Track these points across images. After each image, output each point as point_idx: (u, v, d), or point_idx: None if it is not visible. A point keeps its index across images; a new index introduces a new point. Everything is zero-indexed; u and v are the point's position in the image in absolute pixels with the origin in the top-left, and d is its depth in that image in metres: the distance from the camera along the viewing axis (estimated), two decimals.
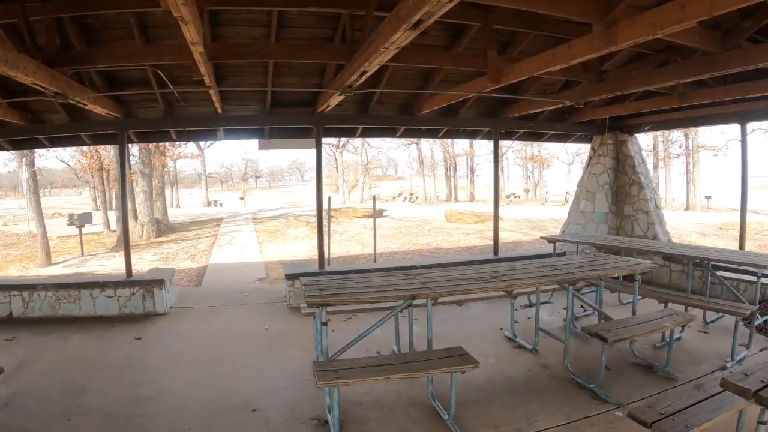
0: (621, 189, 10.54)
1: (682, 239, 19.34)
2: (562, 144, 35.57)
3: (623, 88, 6.72)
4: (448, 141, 49.16)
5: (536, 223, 25.88)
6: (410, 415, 4.50)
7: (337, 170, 55.20)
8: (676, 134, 37.47)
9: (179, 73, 6.57)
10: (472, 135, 11.07)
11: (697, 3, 3.53)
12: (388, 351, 5.94)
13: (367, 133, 10.26)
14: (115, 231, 24.22)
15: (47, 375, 5.48)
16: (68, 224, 21.79)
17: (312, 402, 4.73)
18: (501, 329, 6.75)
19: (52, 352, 6.27)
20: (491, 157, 10.24)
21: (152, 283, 7.87)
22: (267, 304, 8.56)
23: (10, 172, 39.75)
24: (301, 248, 19.43)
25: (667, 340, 5.50)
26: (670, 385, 4.92)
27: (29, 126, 7.64)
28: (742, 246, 8.33)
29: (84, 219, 21.21)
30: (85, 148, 23.69)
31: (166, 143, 26.82)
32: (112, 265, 16.86)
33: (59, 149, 30.08)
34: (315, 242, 8.79)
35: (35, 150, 21.92)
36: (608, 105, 9.09)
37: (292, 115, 8.38)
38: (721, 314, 6.55)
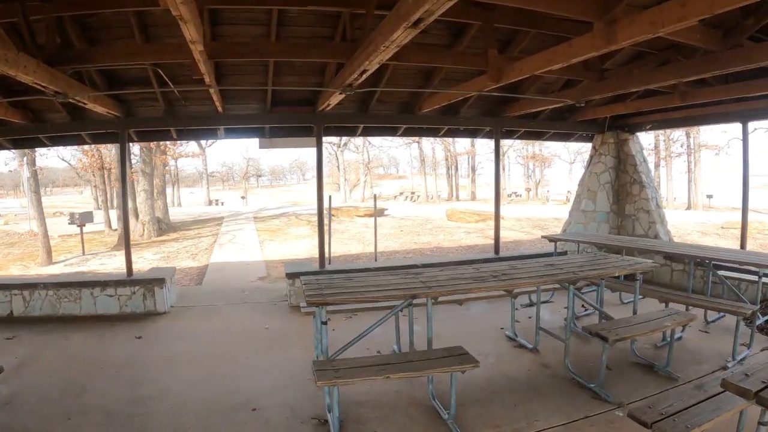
0: (622, 188, 10.53)
1: (684, 238, 19.33)
2: (564, 143, 35.51)
3: (624, 86, 6.70)
4: (450, 140, 49.21)
5: (537, 222, 25.85)
6: (410, 415, 4.49)
7: (339, 169, 55.18)
8: (678, 133, 37.41)
9: (179, 71, 6.56)
10: (473, 134, 11.06)
11: (698, 1, 3.51)
12: (388, 350, 5.94)
13: (367, 132, 10.25)
14: (116, 230, 24.24)
15: (48, 374, 5.49)
16: (69, 223, 21.78)
17: (312, 401, 4.72)
18: (502, 328, 6.74)
19: (52, 351, 6.27)
20: (492, 156, 10.21)
21: (153, 282, 7.87)
22: (268, 303, 8.56)
23: (11, 171, 39.74)
24: (302, 247, 19.42)
25: (668, 339, 5.49)
26: (671, 385, 4.91)
27: (30, 125, 7.64)
28: (743, 245, 8.31)
29: (85, 218, 21.21)
30: (86, 147, 23.68)
31: (167, 142, 26.81)
32: (114, 264, 16.87)
33: (60, 148, 30.07)
34: (316, 241, 8.78)
35: (36, 149, 21.93)
36: (609, 104, 9.06)
37: (293, 114, 8.37)
38: (722, 314, 6.54)
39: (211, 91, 6.47)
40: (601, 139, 10.51)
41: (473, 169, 55.45)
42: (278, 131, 9.11)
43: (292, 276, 8.11)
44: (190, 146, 41.50)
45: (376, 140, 52.08)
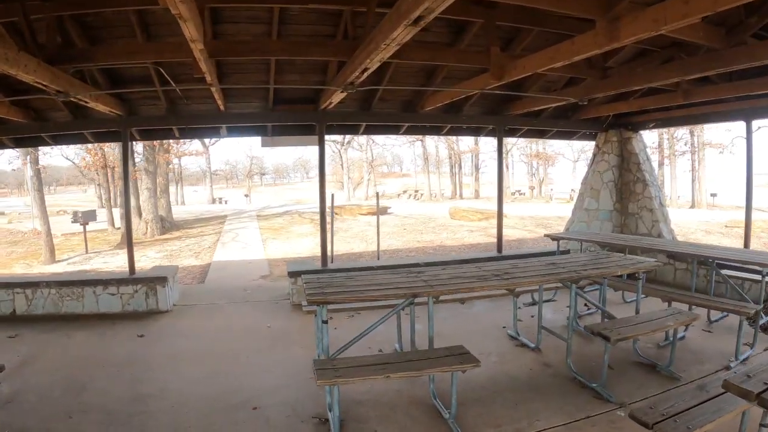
0: (625, 186, 10.49)
1: (687, 237, 19.29)
2: (567, 141, 35.49)
3: (627, 85, 6.66)
4: (453, 138, 49.09)
5: (541, 221, 25.82)
6: (411, 414, 4.48)
7: (342, 167, 55.22)
8: (682, 131, 37.30)
9: (181, 70, 6.55)
10: (475, 132, 11.04)
11: None
12: (390, 349, 5.93)
13: (370, 131, 10.23)
14: (119, 228, 24.29)
15: (49, 372, 5.49)
16: (72, 222, 21.85)
17: (313, 400, 4.71)
18: (504, 327, 6.72)
19: (54, 349, 6.28)
20: (496, 154, 10.19)
21: (155, 281, 7.88)
22: (270, 301, 8.56)
23: (14, 170, 39.80)
24: (305, 245, 19.44)
25: (671, 339, 5.46)
26: (673, 385, 4.89)
27: (32, 124, 7.64)
28: (747, 244, 8.27)
29: (88, 216, 21.27)
30: (89, 145, 23.72)
31: (171, 140, 26.85)
32: (116, 263, 16.92)
33: (64, 147, 30.16)
34: (319, 239, 8.77)
35: (39, 148, 21.96)
36: (612, 102, 9.02)
37: (295, 113, 8.35)
38: (725, 313, 6.50)
39: (213, 89, 6.46)
40: (605, 138, 10.47)
41: (477, 168, 55.33)
42: (280, 130, 9.10)
43: (294, 274, 8.10)
44: (194, 144, 41.61)
45: (380, 138, 52.13)
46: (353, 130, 10.11)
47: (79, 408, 4.64)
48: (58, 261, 18.28)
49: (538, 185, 55.49)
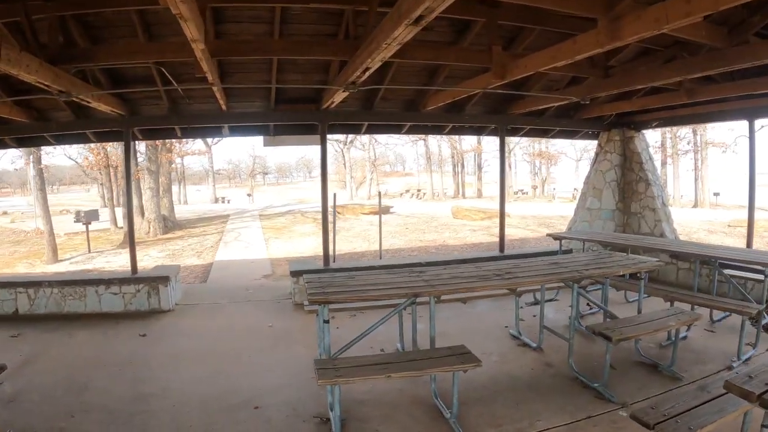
0: (628, 186, 10.47)
1: (690, 236, 19.24)
2: (570, 140, 35.45)
3: (630, 84, 6.65)
4: (456, 137, 49.04)
5: (543, 220, 25.78)
6: (412, 414, 4.48)
7: (345, 166, 55.21)
8: (685, 131, 37.18)
9: (183, 70, 6.55)
10: (478, 131, 11.03)
11: None
12: (391, 348, 5.92)
13: (372, 130, 10.21)
14: (122, 228, 24.27)
15: (51, 372, 5.51)
16: (75, 221, 21.86)
17: (315, 400, 4.72)
18: (506, 327, 6.72)
19: (57, 348, 6.29)
20: (498, 154, 10.18)
21: (157, 280, 7.89)
22: (272, 301, 8.56)
23: (17, 169, 39.89)
24: (307, 245, 19.44)
25: (673, 338, 5.45)
26: (675, 385, 4.88)
27: (34, 124, 7.65)
28: (749, 244, 8.25)
29: (90, 216, 21.27)
30: (92, 145, 23.74)
31: (173, 140, 26.89)
32: (119, 262, 16.95)
33: (67, 146, 30.20)
34: (321, 239, 8.77)
35: (41, 147, 21.99)
36: (615, 101, 9.01)
37: (297, 112, 8.35)
38: (727, 313, 6.47)
39: (215, 89, 6.46)
40: (607, 137, 10.46)
41: (479, 167, 55.28)
42: (283, 129, 9.10)
43: (296, 274, 8.10)
44: (197, 144, 41.67)
45: (383, 138, 52.09)
46: (355, 129, 10.11)
47: (81, 407, 4.65)
48: (61, 260, 18.30)
49: (540, 184, 55.44)
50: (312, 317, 7.12)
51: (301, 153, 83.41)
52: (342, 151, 53.82)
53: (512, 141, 44.97)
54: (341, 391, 4.08)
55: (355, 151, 56.08)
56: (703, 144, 37.30)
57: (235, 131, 9.25)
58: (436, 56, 6.56)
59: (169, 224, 25.30)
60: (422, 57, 6.34)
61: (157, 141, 23.17)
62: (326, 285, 4.88)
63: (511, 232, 19.31)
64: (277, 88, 7.66)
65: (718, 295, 6.72)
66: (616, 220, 10.56)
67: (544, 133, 11.32)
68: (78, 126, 7.97)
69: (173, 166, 35.50)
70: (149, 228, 23.41)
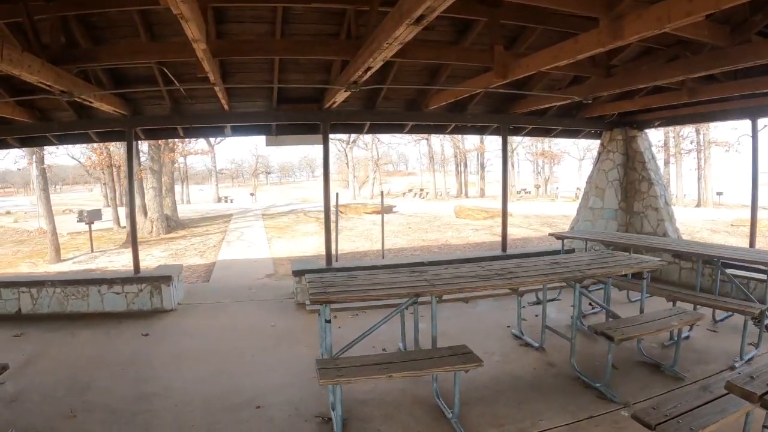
0: (630, 185, 10.46)
1: (693, 236, 19.20)
2: (573, 140, 35.41)
3: (632, 83, 6.63)
4: (458, 137, 49.04)
5: (546, 219, 25.75)
6: (414, 414, 4.48)
7: (348, 166, 55.19)
8: (688, 130, 37.15)
9: (185, 70, 6.57)
10: (480, 131, 11.03)
11: None
12: (393, 348, 5.92)
13: (374, 130, 10.20)
14: (125, 227, 24.34)
15: (54, 371, 5.52)
16: (78, 221, 21.92)
17: (317, 399, 4.72)
18: (508, 326, 6.71)
19: (59, 348, 6.31)
20: (501, 153, 10.18)
21: (160, 280, 7.90)
22: (274, 300, 8.57)
23: (20, 169, 40.00)
24: (310, 244, 19.45)
25: (675, 338, 5.43)
26: (677, 385, 4.87)
27: (37, 124, 7.68)
28: (752, 243, 8.23)
29: (93, 215, 21.32)
30: (95, 144, 23.77)
31: (176, 140, 26.92)
32: (122, 262, 16.97)
33: (70, 146, 30.27)
34: (324, 238, 8.78)
35: (44, 147, 22.04)
36: (617, 100, 9.00)
37: (299, 112, 8.36)
38: (730, 313, 6.44)
39: (217, 89, 6.47)
40: (609, 136, 10.44)
41: (482, 166, 55.28)
42: (285, 129, 9.10)
43: (298, 273, 8.11)
44: (199, 143, 41.60)
45: (385, 137, 52.05)
46: (357, 129, 10.10)
47: (83, 407, 4.66)
48: (64, 260, 18.34)
49: (543, 184, 55.34)
50: (314, 317, 7.12)
51: (304, 152, 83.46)
52: (345, 150, 53.78)
53: (515, 140, 44.92)
54: (343, 390, 4.08)
55: (358, 151, 56.11)
56: (706, 143, 37.27)
57: (238, 131, 9.25)
58: (437, 56, 6.56)
59: (172, 224, 25.34)
60: (424, 56, 6.35)
61: (159, 141, 23.19)
62: (328, 285, 4.88)
63: (513, 232, 19.30)
64: (279, 87, 7.66)
65: (721, 295, 6.70)
66: (619, 219, 10.55)
67: (546, 133, 11.32)
68: (80, 126, 7.99)
69: (176, 165, 35.60)
70: (152, 227, 23.45)
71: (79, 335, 6.79)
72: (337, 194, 12.58)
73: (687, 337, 6.04)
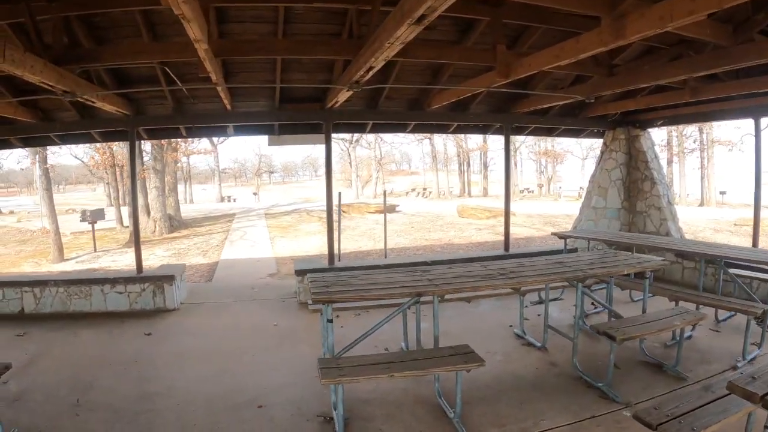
0: (633, 184, 10.44)
1: (696, 235, 19.15)
2: (576, 139, 35.34)
3: (634, 82, 6.63)
4: (462, 136, 48.95)
5: (549, 219, 25.73)
6: (416, 413, 4.48)
7: (351, 165, 55.16)
8: (691, 129, 37.03)
9: (187, 70, 6.58)
10: (483, 130, 11.00)
11: None
12: (396, 347, 5.93)
13: (377, 129, 10.21)
14: (127, 227, 24.43)
15: (57, 370, 5.53)
16: (81, 220, 21.97)
17: (319, 399, 4.72)
18: (510, 326, 6.71)
19: (62, 347, 6.32)
20: (504, 152, 10.17)
21: (162, 279, 7.91)
22: (277, 299, 8.58)
23: (23, 169, 40.15)
24: (312, 244, 19.47)
25: (678, 338, 5.42)
26: (680, 385, 4.86)
27: (40, 124, 7.69)
28: (755, 243, 8.20)
29: (96, 215, 21.38)
30: (97, 144, 23.84)
31: (179, 139, 26.95)
32: (124, 261, 17.00)
33: (73, 146, 30.34)
34: (327, 238, 8.79)
35: (47, 147, 22.11)
36: (620, 100, 8.98)
37: (302, 111, 8.37)
38: (733, 313, 6.43)
39: (219, 88, 6.48)
40: (612, 135, 10.42)
41: (485, 166, 55.19)
42: (287, 128, 9.10)
43: (300, 273, 8.11)
44: (202, 143, 41.70)
45: (388, 137, 52.05)
46: (360, 128, 10.11)
47: (86, 406, 4.67)
48: (67, 259, 18.39)
49: (546, 183, 55.32)
50: (317, 316, 7.12)
51: (307, 152, 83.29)
52: (348, 149, 53.75)
53: (518, 139, 44.91)
54: (345, 390, 4.09)
55: (361, 150, 56.09)
56: (709, 142, 37.16)
57: (240, 131, 9.27)
58: (439, 55, 6.55)
59: (175, 223, 25.37)
60: (426, 56, 6.34)
61: (162, 140, 23.23)
62: (330, 284, 4.89)
63: (516, 231, 19.29)
64: (281, 87, 7.67)
65: (724, 295, 6.68)
66: (622, 218, 10.53)
67: (548, 132, 11.31)
68: (83, 126, 8.01)
69: (179, 165, 35.56)
70: (155, 227, 23.48)
71: (82, 335, 6.81)
72: (339, 194, 12.60)
73: (689, 337, 6.03)
